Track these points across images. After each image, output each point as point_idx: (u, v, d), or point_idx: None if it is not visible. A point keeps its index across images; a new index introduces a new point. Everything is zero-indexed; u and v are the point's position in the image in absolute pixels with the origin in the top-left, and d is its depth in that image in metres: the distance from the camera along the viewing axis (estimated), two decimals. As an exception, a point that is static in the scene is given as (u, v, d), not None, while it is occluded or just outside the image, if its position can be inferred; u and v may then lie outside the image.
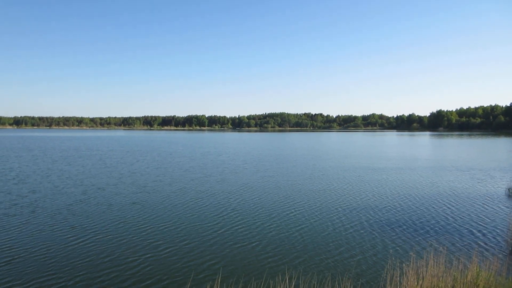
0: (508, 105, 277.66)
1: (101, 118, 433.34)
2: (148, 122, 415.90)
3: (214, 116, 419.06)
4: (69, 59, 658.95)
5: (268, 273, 12.41)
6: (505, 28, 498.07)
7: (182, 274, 12.37)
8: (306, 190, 28.68)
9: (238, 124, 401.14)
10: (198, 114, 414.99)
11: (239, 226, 18.25)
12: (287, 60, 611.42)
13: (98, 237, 16.33)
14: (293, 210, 21.80)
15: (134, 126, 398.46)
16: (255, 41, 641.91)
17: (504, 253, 14.74)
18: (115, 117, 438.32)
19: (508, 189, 28.98)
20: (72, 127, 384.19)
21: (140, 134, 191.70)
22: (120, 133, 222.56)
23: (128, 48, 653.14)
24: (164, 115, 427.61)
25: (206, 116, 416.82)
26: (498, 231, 17.97)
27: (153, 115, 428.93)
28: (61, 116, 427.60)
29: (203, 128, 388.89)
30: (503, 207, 23.28)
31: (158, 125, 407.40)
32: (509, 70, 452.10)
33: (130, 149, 74.84)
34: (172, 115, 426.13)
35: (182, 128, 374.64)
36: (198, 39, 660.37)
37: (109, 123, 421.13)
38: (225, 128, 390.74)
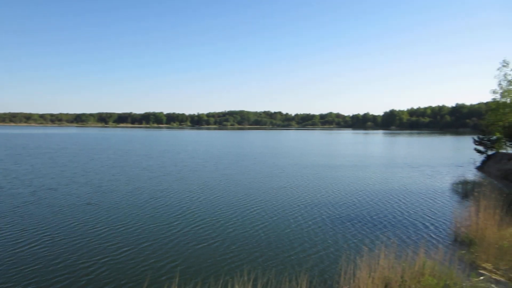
0: (454, 105, 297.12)
1: (51, 115, 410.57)
2: (103, 119, 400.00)
3: (173, 113, 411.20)
4: (15, 50, 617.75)
5: (227, 272, 12.46)
6: (452, 34, 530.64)
7: (139, 277, 12.10)
8: (266, 188, 28.99)
9: (197, 121, 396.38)
10: (156, 111, 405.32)
11: (199, 226, 18.15)
12: (247, 59, 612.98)
13: (49, 240, 15.56)
14: (252, 209, 21.98)
15: (87, 123, 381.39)
16: (214, 40, 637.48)
17: (448, 243, 15.81)
18: (67, 114, 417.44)
19: (452, 184, 31.09)
20: (20, 124, 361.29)
21: (94, 132, 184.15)
22: (73, 130, 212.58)
23: (80, 39, 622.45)
24: (120, 112, 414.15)
25: (164, 113, 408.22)
26: (443, 223, 19.22)
27: (108, 112, 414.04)
28: (7, 112, 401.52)
29: (161, 125, 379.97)
30: (448, 201, 24.90)
31: (114, 122, 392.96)
32: (454, 74, 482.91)
33: (83, 147, 71.77)
34: (129, 112, 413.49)
35: (139, 126, 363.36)
36: (156, 34, 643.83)
37: (60, 120, 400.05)
38: (184, 125, 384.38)
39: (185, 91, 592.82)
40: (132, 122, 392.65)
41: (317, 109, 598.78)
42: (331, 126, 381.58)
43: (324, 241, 16.09)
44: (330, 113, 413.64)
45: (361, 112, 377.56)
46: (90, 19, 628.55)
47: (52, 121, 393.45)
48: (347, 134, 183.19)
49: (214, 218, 19.57)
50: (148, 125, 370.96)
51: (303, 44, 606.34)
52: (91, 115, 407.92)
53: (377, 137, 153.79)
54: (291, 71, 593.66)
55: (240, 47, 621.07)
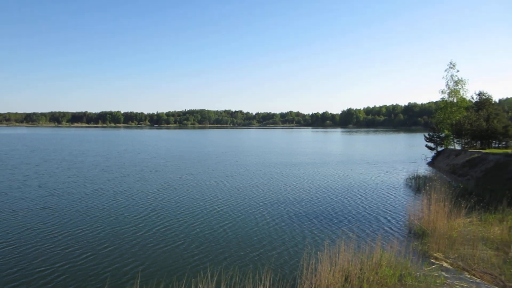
0: (407, 104, 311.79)
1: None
2: (56, 118, 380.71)
3: (131, 112, 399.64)
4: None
5: (190, 272, 12.50)
6: (401, 33, 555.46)
7: (98, 281, 11.87)
8: (229, 187, 29.13)
9: (156, 121, 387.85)
10: (112, 110, 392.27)
11: (161, 227, 17.99)
12: (207, 57, 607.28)
13: (2, 248, 14.83)
14: (215, 208, 22.07)
15: (39, 123, 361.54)
16: (175, 39, 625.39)
17: (403, 235, 16.76)
18: (16, 113, 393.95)
19: (406, 179, 32.83)
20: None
21: (46, 132, 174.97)
22: (23, 130, 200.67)
23: (32, 35, 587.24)
24: (75, 111, 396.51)
25: (122, 112, 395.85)
26: (398, 216, 20.31)
27: (62, 111, 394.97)
28: None
29: (118, 125, 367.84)
30: (403, 195, 26.30)
31: (67, 121, 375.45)
32: (407, 73, 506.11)
33: (35, 148, 68.16)
34: (84, 111, 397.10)
35: (95, 125, 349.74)
36: (114, 33, 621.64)
37: (8, 120, 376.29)
38: (143, 125, 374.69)
39: (143, 90, 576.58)
40: (88, 122, 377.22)
41: (277, 108, 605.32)
42: (292, 124, 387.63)
43: (286, 237, 16.50)
44: (290, 112, 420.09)
45: (320, 111, 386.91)
46: (39, 11, 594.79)
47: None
48: (307, 133, 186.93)
49: (176, 218, 19.45)
50: (104, 125, 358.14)
51: (263, 44, 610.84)
52: (42, 114, 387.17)
53: (336, 135, 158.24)
54: (251, 70, 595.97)
55: (200, 47, 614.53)
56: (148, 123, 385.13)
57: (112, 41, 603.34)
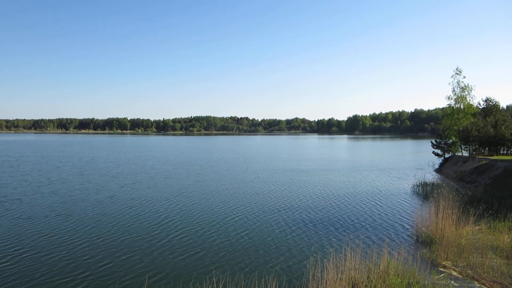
0: (413, 110, 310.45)
1: (7, 121, 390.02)
2: (63, 125, 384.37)
3: (137, 119, 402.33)
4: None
5: (197, 278, 12.66)
6: (407, 39, 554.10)
7: (104, 286, 12.12)
8: (237, 194, 29.33)
9: (162, 127, 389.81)
10: (119, 117, 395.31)
11: (169, 234, 18.20)
12: (213, 64, 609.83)
13: (18, 254, 15.12)
14: (223, 215, 22.24)
15: (46, 130, 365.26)
16: (179, 45, 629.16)
17: (410, 243, 16.79)
18: (24, 120, 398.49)
19: (413, 186, 32.83)
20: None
21: (54, 138, 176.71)
22: (31, 137, 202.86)
23: (39, 44, 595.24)
24: (82, 118, 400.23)
25: (128, 119, 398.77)
26: (406, 224, 20.34)
27: (69, 118, 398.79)
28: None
29: (125, 131, 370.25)
30: (410, 203, 26.29)
31: (75, 128, 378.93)
32: (413, 79, 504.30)
33: (45, 155, 69.01)
34: (91, 117, 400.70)
35: (102, 132, 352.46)
36: (118, 38, 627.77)
37: (16, 126, 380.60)
38: (149, 131, 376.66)
39: (149, 96, 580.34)
40: (95, 128, 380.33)
41: (283, 115, 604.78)
42: (297, 131, 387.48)
43: (293, 244, 16.61)
44: (296, 118, 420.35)
45: (326, 118, 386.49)
46: (46, 17, 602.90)
47: (8, 127, 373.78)
48: (313, 139, 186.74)
49: (185, 225, 19.64)
50: (111, 131, 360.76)
51: (268, 49, 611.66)
52: (50, 121, 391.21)
53: (342, 141, 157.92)
54: (257, 76, 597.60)
55: (205, 52, 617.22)
56: (155, 130, 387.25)
57: (117, 46, 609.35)
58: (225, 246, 16.33)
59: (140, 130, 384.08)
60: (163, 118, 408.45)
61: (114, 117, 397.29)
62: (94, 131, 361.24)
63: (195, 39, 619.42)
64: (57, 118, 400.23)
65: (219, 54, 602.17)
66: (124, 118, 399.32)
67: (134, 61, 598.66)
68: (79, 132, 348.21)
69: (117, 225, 19.53)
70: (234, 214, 22.27)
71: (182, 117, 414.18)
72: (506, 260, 13.61)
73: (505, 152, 44.93)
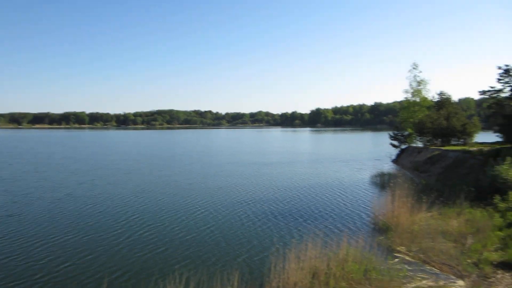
0: (373, 104, 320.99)
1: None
2: (16, 119, 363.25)
3: (96, 113, 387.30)
4: None
5: (158, 274, 12.57)
6: (365, 32, 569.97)
7: (62, 286, 11.82)
8: (201, 188, 29.21)
9: (123, 121, 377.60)
10: (76, 111, 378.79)
11: (129, 231, 17.88)
12: (175, 57, 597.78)
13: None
14: (186, 209, 22.12)
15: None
16: (141, 37, 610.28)
17: (368, 231, 17.52)
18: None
19: (372, 176, 34.15)
20: None
21: (6, 134, 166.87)
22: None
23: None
24: (36, 112, 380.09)
25: (87, 113, 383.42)
26: (364, 212, 21.18)
27: (22, 112, 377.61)
28: None
29: (83, 126, 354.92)
30: (368, 192, 27.38)
31: (28, 123, 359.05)
32: (373, 72, 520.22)
33: (-5, 152, 65.17)
34: (46, 111, 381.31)
35: (58, 126, 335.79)
36: (72, 27, 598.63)
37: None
38: (109, 126, 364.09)
39: (109, 89, 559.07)
40: (50, 123, 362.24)
41: (247, 108, 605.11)
42: (261, 124, 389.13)
43: (255, 236, 16.82)
44: (260, 112, 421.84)
45: (289, 111, 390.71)
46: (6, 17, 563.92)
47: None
48: (277, 132, 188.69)
49: (147, 221, 19.35)
50: (68, 126, 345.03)
51: (230, 44, 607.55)
52: (1, 115, 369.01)
53: (305, 134, 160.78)
54: (220, 70, 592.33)
55: (169, 45, 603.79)
56: (115, 124, 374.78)
57: (70, 35, 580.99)
58: (188, 241, 16.25)
59: (99, 124, 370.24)
60: (124, 112, 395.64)
61: (71, 111, 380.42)
62: (49, 126, 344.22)
63: (157, 30, 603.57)
64: (9, 112, 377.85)
65: (181, 47, 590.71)
66: (82, 112, 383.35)
67: (92, 52, 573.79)
68: (33, 127, 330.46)
69: (76, 224, 18.90)
70: (197, 209, 22.18)
71: (144, 111, 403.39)
72: (454, 243, 14.53)
73: (456, 142, 47.62)
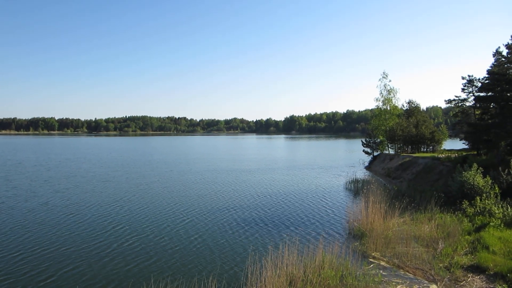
0: (345, 111, 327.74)
1: None
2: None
3: (66, 118, 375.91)
4: None
5: (134, 284, 12.30)
6: (336, 39, 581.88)
7: None
8: (178, 196, 28.83)
9: (95, 127, 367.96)
10: (46, 117, 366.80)
11: (104, 240, 17.42)
12: (148, 62, 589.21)
13: None
14: (164, 218, 21.73)
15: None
16: (113, 42, 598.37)
17: (344, 237, 17.72)
18: None
19: (346, 183, 34.68)
20: None
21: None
22: None
23: None
24: (2, 117, 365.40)
25: (56, 118, 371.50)
26: (339, 219, 21.43)
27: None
28: None
29: (52, 132, 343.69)
30: (343, 199, 27.75)
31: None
32: (346, 82, 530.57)
33: (-44, 159, 61.83)
34: (12, 117, 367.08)
35: (25, 133, 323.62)
36: (47, 32, 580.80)
37: None
38: (80, 132, 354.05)
39: (80, 95, 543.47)
40: (17, 129, 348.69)
41: (222, 115, 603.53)
42: (236, 131, 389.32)
43: (232, 244, 16.73)
44: (235, 119, 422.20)
45: (264, 118, 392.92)
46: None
47: None
48: (252, 139, 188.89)
49: (124, 231, 18.86)
50: (37, 132, 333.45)
51: (206, 51, 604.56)
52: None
53: (280, 141, 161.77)
54: (195, 76, 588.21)
55: (140, 50, 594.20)
56: (86, 130, 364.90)
57: (45, 41, 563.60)
58: (165, 250, 15.96)
59: (69, 130, 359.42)
60: (95, 118, 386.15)
61: (40, 117, 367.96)
62: (16, 132, 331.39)
63: (130, 35, 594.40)
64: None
65: (155, 54, 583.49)
66: (52, 117, 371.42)
67: (62, 56, 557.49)
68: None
69: (52, 235, 18.14)
70: (174, 218, 21.83)
71: (116, 117, 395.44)
72: (426, 248, 14.91)
73: (425, 149, 49.19)
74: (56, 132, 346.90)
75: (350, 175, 39.60)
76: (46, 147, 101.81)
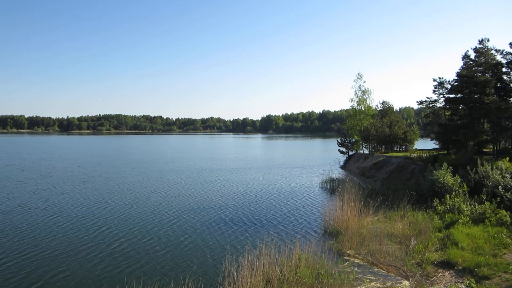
0: (321, 111, 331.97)
1: None
2: None
3: (36, 117, 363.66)
4: None
5: (110, 284, 12.12)
6: (313, 38, 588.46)
7: None
8: (156, 196, 28.51)
9: (67, 126, 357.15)
10: (14, 114, 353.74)
11: (78, 240, 17.05)
12: (123, 59, 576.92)
13: None
14: (140, 218, 21.42)
15: None
16: (89, 42, 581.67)
17: (320, 236, 17.99)
18: None
19: (321, 182, 35.14)
20: None
21: None
22: None
23: None
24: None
25: (26, 116, 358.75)
26: (315, 217, 21.73)
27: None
28: None
29: (21, 130, 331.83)
30: (319, 197, 28.13)
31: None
32: (321, 82, 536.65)
33: None
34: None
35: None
36: (15, 26, 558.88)
37: None
38: (51, 130, 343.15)
39: (51, 92, 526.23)
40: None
41: (198, 114, 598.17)
42: (213, 130, 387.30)
43: (209, 244, 16.67)
44: (212, 118, 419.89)
45: (241, 117, 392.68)
46: None
47: None
48: (229, 138, 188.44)
49: (100, 232, 18.48)
50: (5, 131, 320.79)
51: (181, 51, 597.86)
52: None
53: (257, 141, 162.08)
54: (171, 75, 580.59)
55: (116, 50, 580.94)
56: (57, 129, 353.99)
57: (13, 35, 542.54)
58: (141, 250, 15.75)
59: (39, 129, 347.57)
60: (67, 116, 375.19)
61: (9, 115, 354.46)
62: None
63: (107, 36, 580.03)
64: None
65: (130, 52, 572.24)
66: (21, 115, 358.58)
67: (30, 50, 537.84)
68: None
69: (30, 238, 17.52)
70: (150, 218, 21.57)
71: (89, 115, 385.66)
72: (398, 245, 15.32)
73: (398, 149, 50.48)
74: (25, 130, 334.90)
75: (326, 174, 40.16)
76: (16, 146, 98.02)
